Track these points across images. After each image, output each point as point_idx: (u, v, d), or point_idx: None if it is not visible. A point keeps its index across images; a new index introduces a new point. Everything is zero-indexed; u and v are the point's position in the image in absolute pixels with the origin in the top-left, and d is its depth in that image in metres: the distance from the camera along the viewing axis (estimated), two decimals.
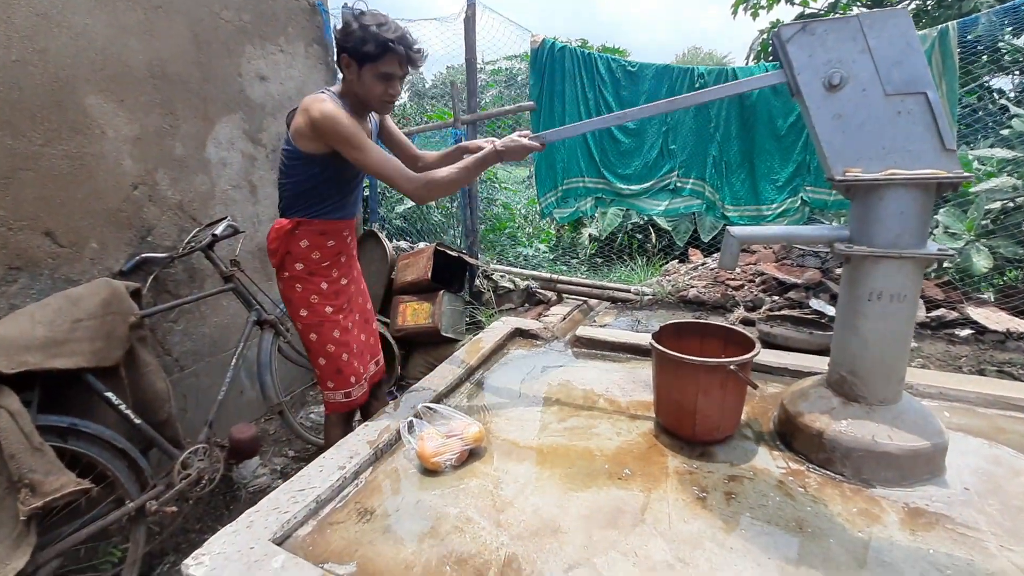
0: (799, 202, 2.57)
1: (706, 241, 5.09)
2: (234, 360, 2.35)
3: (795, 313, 2.49)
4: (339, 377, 1.80)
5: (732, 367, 1.52)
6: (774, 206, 2.60)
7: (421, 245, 4.04)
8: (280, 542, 1.25)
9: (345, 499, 1.43)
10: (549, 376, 2.18)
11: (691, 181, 2.79)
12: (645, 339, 2.36)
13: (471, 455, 1.60)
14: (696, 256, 3.68)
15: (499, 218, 5.85)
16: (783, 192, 2.57)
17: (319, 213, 1.70)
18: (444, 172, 1.62)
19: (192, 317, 2.58)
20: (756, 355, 1.58)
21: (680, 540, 1.25)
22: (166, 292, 2.44)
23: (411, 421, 1.66)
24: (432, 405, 1.64)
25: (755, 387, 1.56)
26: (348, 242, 1.82)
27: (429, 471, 1.53)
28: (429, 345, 3.41)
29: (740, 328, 1.79)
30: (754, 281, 2.88)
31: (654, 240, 5.71)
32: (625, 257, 5.56)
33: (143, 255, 2.30)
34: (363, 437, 1.64)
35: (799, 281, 2.69)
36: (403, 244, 4.07)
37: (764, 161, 2.58)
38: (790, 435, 1.62)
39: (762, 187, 2.60)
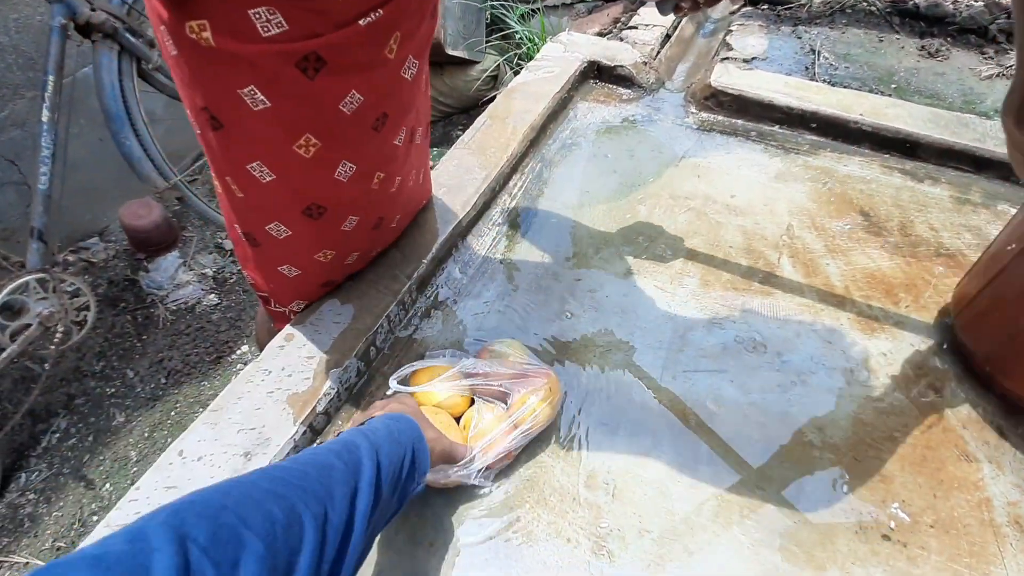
0: None
1: None
2: (45, 111, 1.22)
3: None
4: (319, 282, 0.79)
5: None
6: None
7: None
8: None
9: None
10: (664, 186, 1.10)
11: None
12: (856, 106, 1.18)
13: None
14: None
15: None
16: None
17: None
18: None
19: None
20: None
21: None
22: None
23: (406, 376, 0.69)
24: (428, 364, 0.64)
25: None
26: None
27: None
28: (429, 67, 2.12)
29: None
30: None
31: None
32: None
33: None
34: (284, 396, 0.70)
35: None
36: None
37: None
38: None
39: None
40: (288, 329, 0.76)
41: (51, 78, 1.21)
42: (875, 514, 0.65)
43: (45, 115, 1.20)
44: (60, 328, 1.25)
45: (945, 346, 0.81)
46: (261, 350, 0.78)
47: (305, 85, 0.52)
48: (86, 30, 1.28)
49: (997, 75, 1.36)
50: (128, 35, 1.32)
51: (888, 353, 0.81)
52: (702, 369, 0.79)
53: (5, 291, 1.17)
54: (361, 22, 0.50)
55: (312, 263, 0.72)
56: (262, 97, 0.52)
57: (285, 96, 0.52)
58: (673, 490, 0.67)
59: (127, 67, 1.33)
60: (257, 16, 0.46)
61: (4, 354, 1.17)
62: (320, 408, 0.70)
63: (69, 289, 1.30)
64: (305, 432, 0.68)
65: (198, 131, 0.58)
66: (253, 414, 0.68)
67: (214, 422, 0.67)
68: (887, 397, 0.76)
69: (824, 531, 0.64)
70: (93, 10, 1.27)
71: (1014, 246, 0.69)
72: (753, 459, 0.70)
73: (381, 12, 0.50)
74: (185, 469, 0.63)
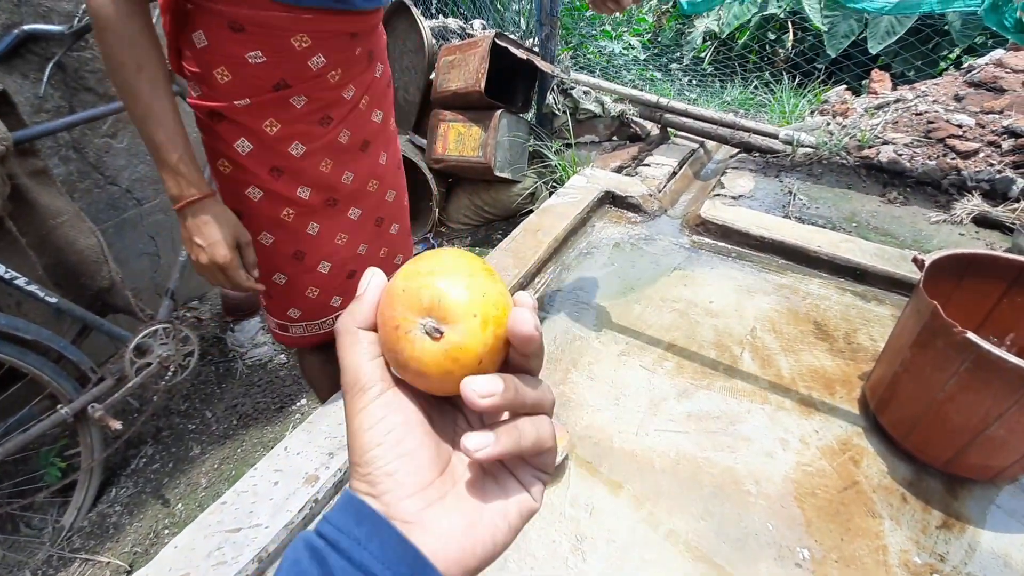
0: None
1: (875, 52, 3.60)
2: None
3: None
4: (296, 300, 1.02)
5: None
6: None
7: (476, 26, 2.89)
8: None
9: None
10: (657, 291, 1.39)
11: None
12: (816, 239, 1.47)
13: None
14: (882, 83, 2.43)
15: None
16: None
17: None
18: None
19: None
20: None
21: None
22: (85, 91, 1.62)
23: None
24: None
25: None
26: (342, 74, 0.86)
27: None
28: (479, 183, 2.57)
29: None
30: (998, 146, 1.79)
31: (789, 45, 4.18)
32: (749, 67, 4.15)
33: (26, 27, 1.43)
34: None
35: None
36: (451, 23, 2.91)
37: None
38: None
39: None
40: (315, 417, 1.05)
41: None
42: (792, 547, 0.85)
43: None
44: (171, 369, 1.57)
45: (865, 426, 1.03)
46: (312, 385, 1.08)
47: (211, 127, 0.84)
48: None
49: (944, 221, 1.65)
50: None
51: (819, 431, 1.03)
52: (669, 429, 1.03)
53: (141, 335, 1.52)
54: (236, 103, 0.81)
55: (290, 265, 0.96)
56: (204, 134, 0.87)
57: (205, 133, 0.85)
58: (635, 514, 0.89)
59: None
60: (192, 87, 0.82)
61: (129, 384, 1.49)
62: (330, 483, 0.96)
63: (181, 337, 1.64)
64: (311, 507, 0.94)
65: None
66: (336, 427, 0.95)
67: (309, 431, 0.94)
68: (814, 463, 0.97)
69: (750, 555, 0.84)
70: None
71: (902, 361, 0.94)
72: (701, 498, 0.91)
73: (248, 101, 0.82)
74: (288, 460, 0.90)
